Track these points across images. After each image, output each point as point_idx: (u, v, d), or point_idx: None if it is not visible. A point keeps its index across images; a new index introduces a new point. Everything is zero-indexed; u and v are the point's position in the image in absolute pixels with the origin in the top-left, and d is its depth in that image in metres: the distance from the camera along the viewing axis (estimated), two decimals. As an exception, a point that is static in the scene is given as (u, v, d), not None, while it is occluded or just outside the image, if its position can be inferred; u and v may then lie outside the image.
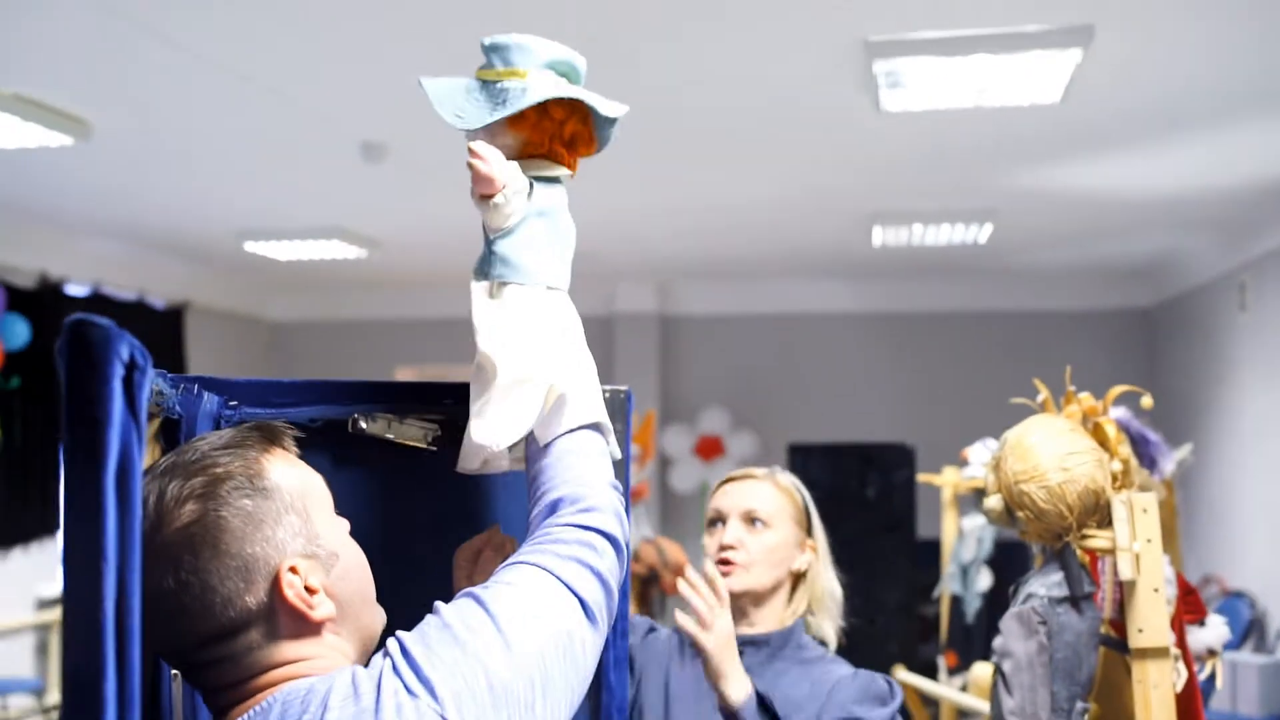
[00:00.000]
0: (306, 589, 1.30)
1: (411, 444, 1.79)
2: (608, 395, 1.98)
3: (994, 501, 2.44)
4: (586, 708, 2.00)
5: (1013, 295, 9.87)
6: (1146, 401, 2.68)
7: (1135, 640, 2.35)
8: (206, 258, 8.92)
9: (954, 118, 5.11)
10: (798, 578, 2.59)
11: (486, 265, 1.63)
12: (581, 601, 1.37)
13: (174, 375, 1.67)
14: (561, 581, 1.37)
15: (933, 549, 5.77)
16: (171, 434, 1.64)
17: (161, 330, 9.19)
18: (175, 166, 6.24)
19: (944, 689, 5.19)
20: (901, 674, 5.38)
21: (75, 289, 8.13)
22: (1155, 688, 2.36)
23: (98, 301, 8.30)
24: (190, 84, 4.83)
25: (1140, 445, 3.25)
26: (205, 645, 1.27)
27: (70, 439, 1.03)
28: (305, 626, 1.31)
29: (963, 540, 5.21)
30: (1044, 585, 2.38)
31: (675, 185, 6.71)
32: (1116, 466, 2.51)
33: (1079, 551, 2.40)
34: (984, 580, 5.22)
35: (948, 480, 5.31)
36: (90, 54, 4.44)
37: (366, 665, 1.27)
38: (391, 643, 1.27)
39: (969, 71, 4.47)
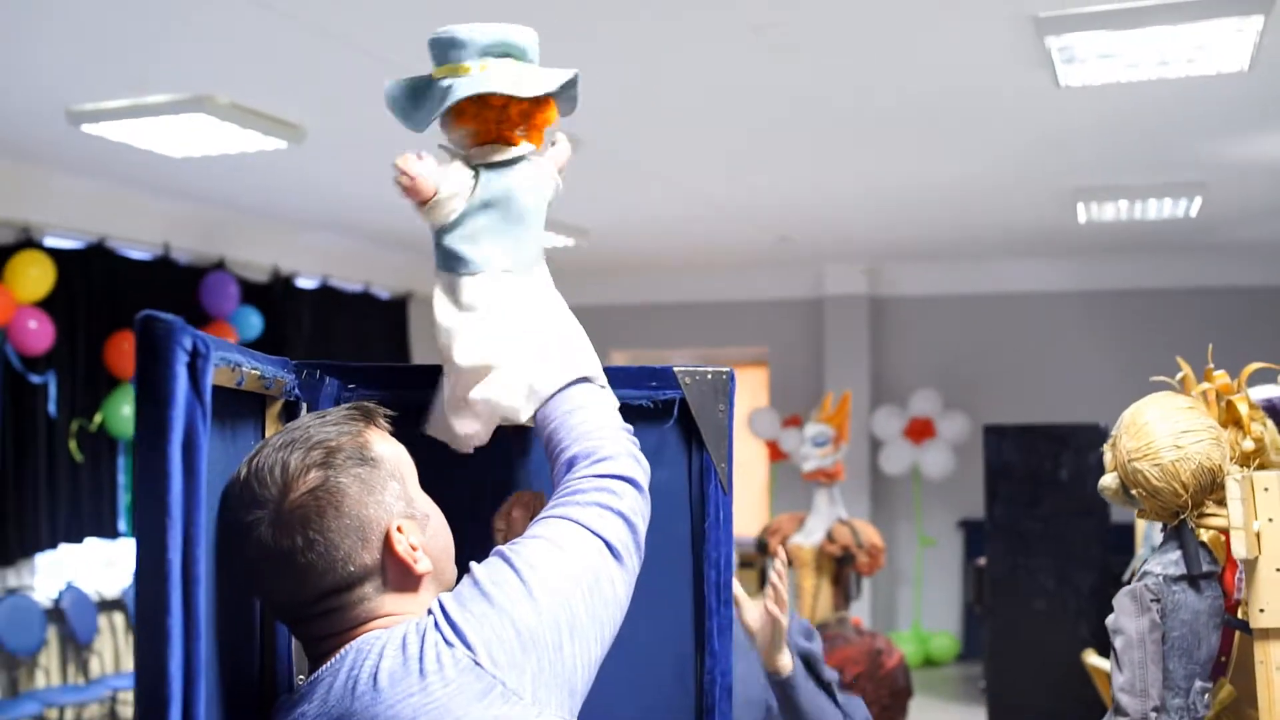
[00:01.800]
0: (410, 547, 1.48)
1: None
2: (710, 376, 2.09)
3: (1110, 479, 2.46)
4: (690, 675, 2.10)
5: (1226, 270, 9.48)
6: (1284, 379, 2.64)
7: (1256, 620, 2.34)
8: (427, 250, 9.30)
9: (1140, 90, 5.00)
10: None
11: (439, 259, 1.71)
12: (605, 542, 1.52)
13: (298, 361, 1.87)
14: (583, 526, 1.51)
15: (1127, 533, 5.64)
16: (293, 415, 1.83)
17: (387, 319, 9.67)
18: (385, 165, 6.59)
19: (1137, 674, 5.10)
20: (1092, 659, 5.31)
21: (305, 282, 8.64)
22: (1278, 669, 2.35)
23: (326, 294, 8.81)
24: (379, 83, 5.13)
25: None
26: (325, 597, 1.44)
27: (139, 417, 1.22)
28: (408, 580, 1.49)
29: (1154, 523, 5.10)
30: (1160, 564, 2.39)
31: (877, 168, 6.75)
32: (1249, 445, 2.49)
33: (1200, 530, 2.41)
34: (1178, 564, 5.10)
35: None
36: (300, 64, 4.76)
37: None
38: (434, 603, 1.43)
39: (1146, 43, 4.38)
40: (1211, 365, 2.66)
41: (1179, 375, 2.71)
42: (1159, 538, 5.25)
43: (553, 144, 1.82)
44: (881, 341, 10.53)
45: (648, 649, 2.06)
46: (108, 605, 7.38)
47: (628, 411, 2.08)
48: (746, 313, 10.85)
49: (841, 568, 6.52)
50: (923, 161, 6.54)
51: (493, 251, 1.70)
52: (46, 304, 6.69)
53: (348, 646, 1.42)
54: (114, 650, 7.41)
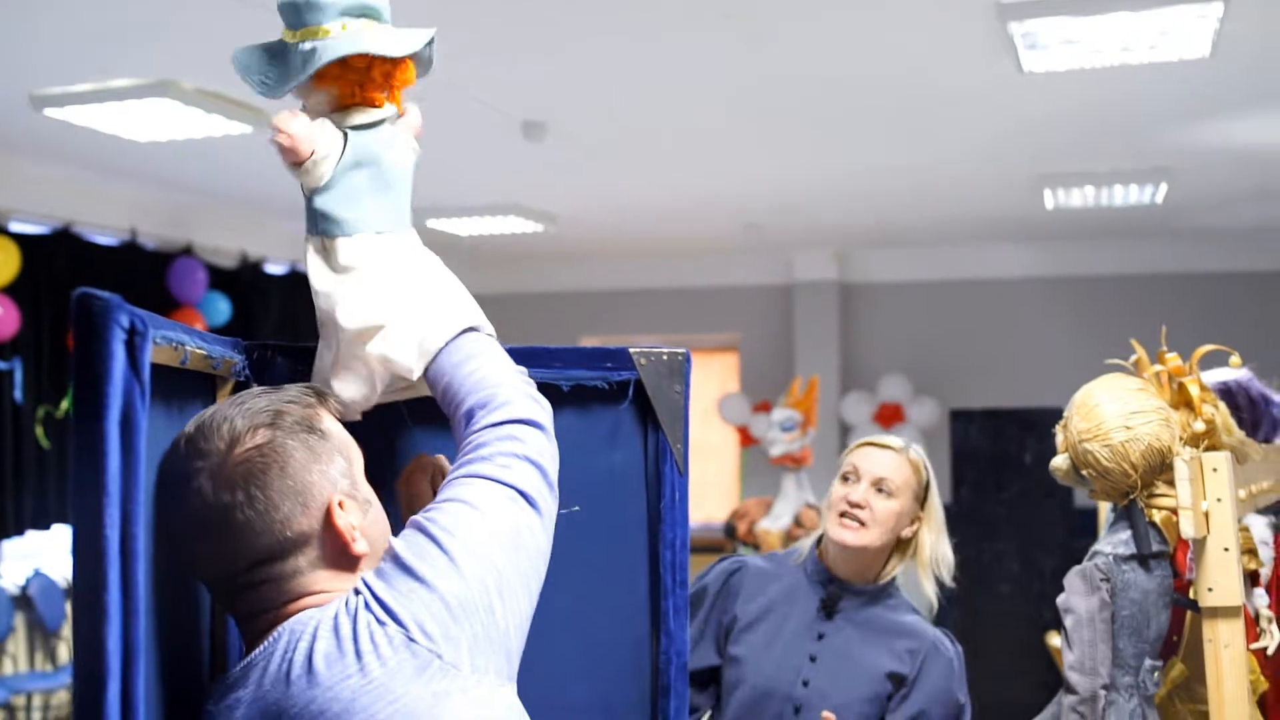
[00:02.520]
0: (350, 524, 1.46)
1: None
2: (665, 357, 2.10)
3: (1060, 460, 2.48)
4: (646, 655, 2.11)
5: (1191, 256, 9.54)
6: (1235, 361, 2.67)
7: (1205, 599, 2.36)
8: (395, 235, 9.29)
9: (1104, 76, 5.03)
10: (903, 544, 2.84)
11: (311, 222, 1.68)
12: (519, 491, 1.50)
13: (249, 343, 1.87)
14: (493, 480, 1.49)
15: (1091, 516, 5.69)
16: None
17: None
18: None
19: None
20: (1054, 640, 5.35)
21: (273, 268, 8.62)
22: (1226, 647, 2.37)
23: (295, 279, 8.77)
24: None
25: (1259, 406, 3.20)
26: (259, 564, 1.41)
27: (77, 393, 1.22)
28: (344, 559, 1.47)
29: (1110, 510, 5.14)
30: (1110, 543, 2.42)
31: (845, 155, 6.76)
32: (1200, 426, 2.52)
33: (1149, 511, 2.43)
34: (1141, 547, 5.14)
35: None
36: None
37: None
38: (359, 585, 1.41)
39: (1108, 30, 4.40)
40: (1165, 348, 2.69)
41: (1132, 358, 2.73)
42: (1121, 521, 5.29)
43: (403, 112, 1.79)
44: (851, 327, 10.56)
45: (604, 630, 2.07)
46: (75, 592, 7.36)
47: (583, 392, 2.09)
48: (716, 299, 10.86)
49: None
50: (890, 148, 6.56)
51: (367, 212, 1.67)
52: (12, 290, 6.65)
53: (281, 628, 1.40)
54: (82, 637, 7.37)
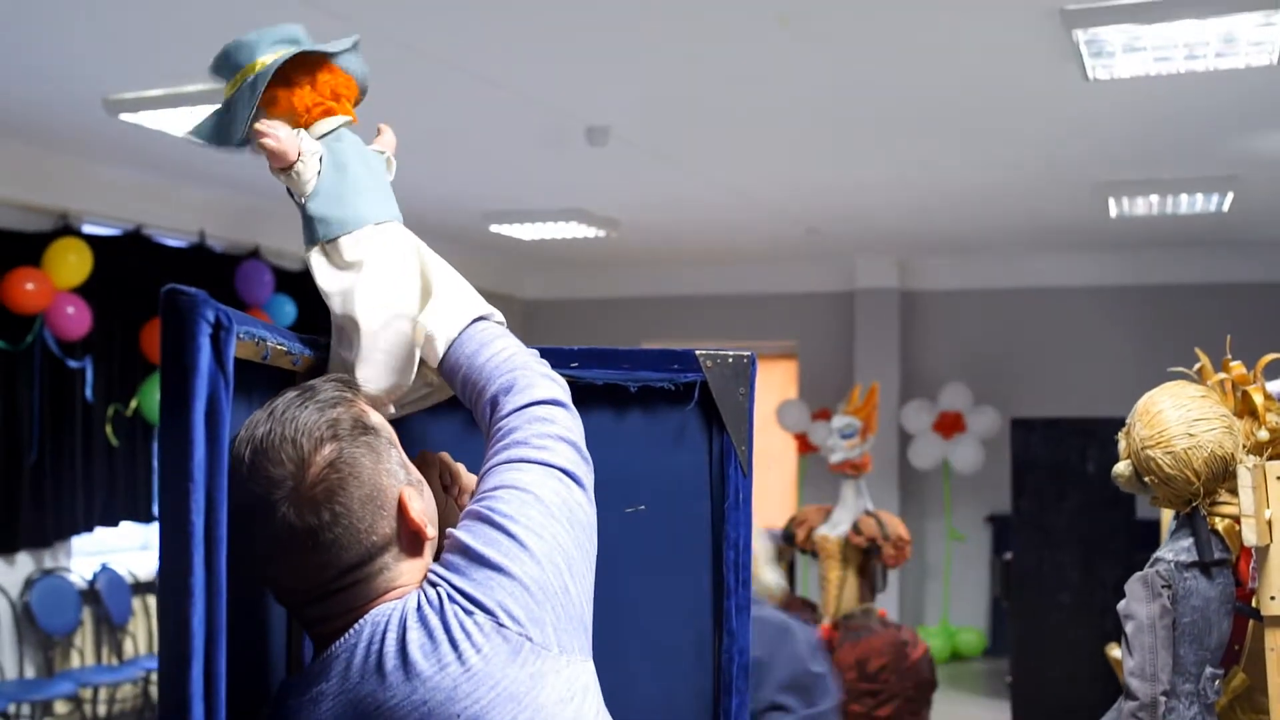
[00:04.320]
0: (420, 511, 1.49)
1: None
2: (731, 359, 2.12)
3: (1123, 467, 2.48)
4: (709, 653, 2.14)
5: (1257, 266, 9.42)
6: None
7: (1267, 607, 2.36)
8: (456, 240, 9.39)
9: (1170, 83, 5.00)
10: None
11: (310, 231, 1.71)
12: (561, 470, 1.53)
13: (325, 340, 1.91)
14: (535, 463, 1.52)
15: (1153, 529, 5.64)
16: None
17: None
18: (423, 157, 6.65)
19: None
20: (1115, 651, 5.31)
21: (338, 271, 8.70)
22: (1289, 655, 2.37)
23: (359, 282, 8.86)
24: (427, 83, 5.19)
25: (1325, 417, 3.18)
26: (349, 571, 1.43)
27: (164, 385, 1.26)
28: (417, 547, 1.49)
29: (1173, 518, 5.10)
30: (1172, 550, 2.42)
31: (906, 162, 6.76)
32: (1263, 435, 2.51)
33: (1211, 519, 2.42)
34: (1204, 558, 5.09)
35: (1166, 456, 5.20)
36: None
37: None
38: (433, 577, 1.44)
39: (1174, 36, 4.38)
40: (1229, 356, 2.68)
41: (1196, 366, 2.73)
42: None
43: (378, 132, 1.85)
44: (912, 335, 10.53)
45: (667, 628, 2.10)
46: (142, 587, 7.49)
47: (649, 393, 2.12)
48: (776, 305, 10.87)
49: (867, 559, 6.54)
50: (952, 155, 6.55)
51: (361, 207, 1.71)
52: (84, 290, 6.79)
53: (361, 621, 1.42)
54: (148, 631, 7.51)
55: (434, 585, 1.43)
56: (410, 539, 1.48)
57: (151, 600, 7.48)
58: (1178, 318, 9.62)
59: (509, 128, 6.05)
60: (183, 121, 5.56)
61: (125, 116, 5.49)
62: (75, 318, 6.69)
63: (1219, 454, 2.35)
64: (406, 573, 1.47)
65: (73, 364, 6.92)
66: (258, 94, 1.69)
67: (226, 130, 1.74)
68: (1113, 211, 7.60)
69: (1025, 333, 10.14)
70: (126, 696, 7.28)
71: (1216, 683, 2.38)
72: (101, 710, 7.07)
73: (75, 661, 7.05)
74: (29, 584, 6.84)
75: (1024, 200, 7.74)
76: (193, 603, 1.24)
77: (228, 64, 1.75)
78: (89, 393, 7.05)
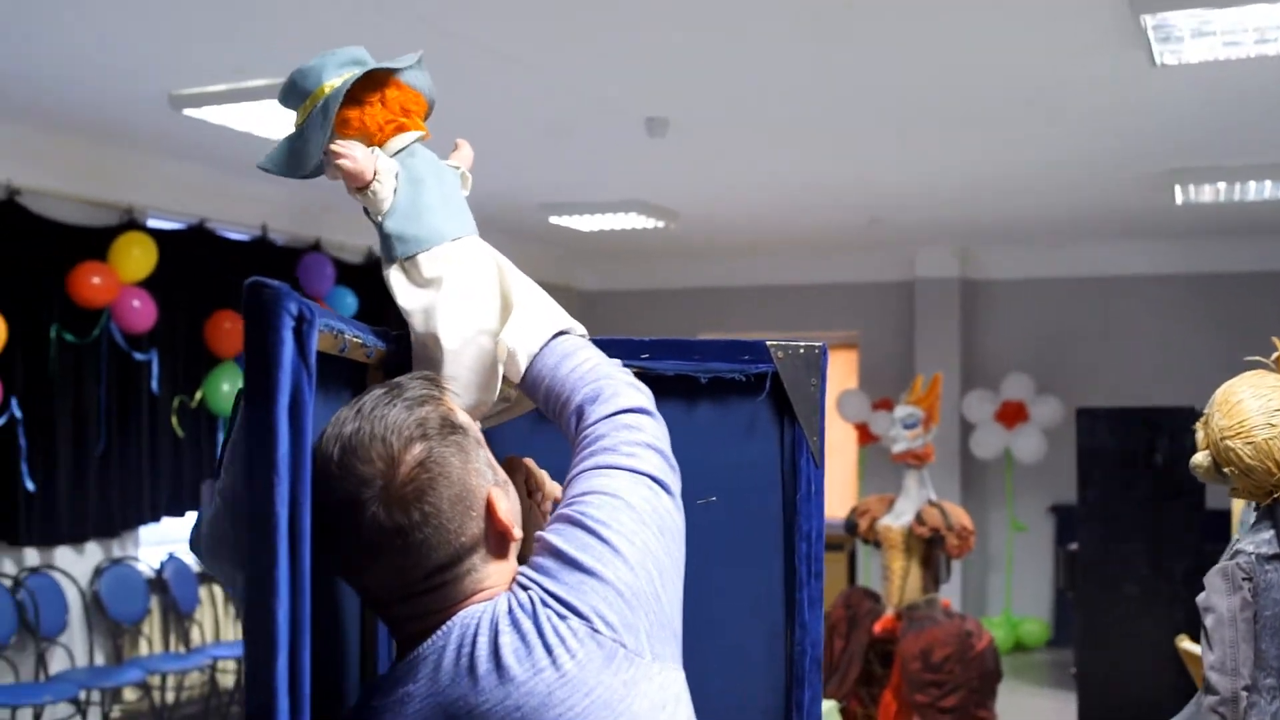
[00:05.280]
0: (508, 511, 1.47)
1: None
2: (802, 350, 2.11)
3: (1201, 458, 2.44)
4: (780, 646, 2.13)
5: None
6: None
7: (1350, 600, 2.32)
8: (515, 231, 9.41)
9: (1238, 68, 4.90)
10: None
11: (388, 250, 1.70)
12: (651, 477, 1.51)
13: (397, 333, 1.91)
14: (627, 470, 1.50)
15: (1223, 519, 5.57)
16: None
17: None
18: (479, 150, 6.65)
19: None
20: (1186, 644, 5.24)
21: (398, 263, 8.75)
22: (1373, 649, 2.32)
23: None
24: (483, 75, 5.20)
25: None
26: (436, 573, 1.41)
27: (247, 379, 1.26)
28: (503, 548, 1.48)
29: (1251, 509, 5.02)
30: (1253, 542, 2.37)
31: (971, 150, 6.70)
32: (1345, 425, 2.46)
33: (1293, 509, 2.38)
34: (1275, 549, 5.02)
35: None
36: (399, 50, 4.82)
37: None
38: (523, 580, 1.43)
39: (1244, 20, 4.30)
40: (1309, 345, 2.63)
41: (1275, 355, 2.67)
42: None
43: (455, 147, 1.85)
44: (973, 324, 10.44)
45: (739, 621, 2.09)
46: (208, 577, 7.56)
47: (720, 384, 2.11)
48: (836, 295, 10.81)
49: (931, 550, 6.49)
50: (1016, 143, 6.48)
51: (438, 223, 1.71)
52: (149, 284, 6.86)
53: (450, 623, 1.41)
54: (214, 620, 7.60)
55: (525, 588, 1.42)
56: (497, 540, 1.47)
57: (218, 589, 7.56)
58: (1243, 307, 9.47)
59: (568, 120, 6.04)
60: (245, 116, 5.61)
61: (189, 112, 5.54)
62: (141, 311, 6.77)
63: (1301, 445, 2.31)
64: (494, 574, 1.46)
65: (139, 356, 7.00)
66: (330, 117, 1.69)
67: (300, 158, 1.73)
68: (1179, 199, 7.49)
69: (1088, 322, 10.03)
70: (194, 684, 7.37)
71: (1300, 677, 2.34)
72: (170, 697, 7.15)
73: (144, 649, 7.15)
74: (98, 573, 6.94)
75: (1087, 188, 7.65)
76: (277, 599, 1.24)
77: (295, 92, 1.74)
78: (155, 385, 7.13)
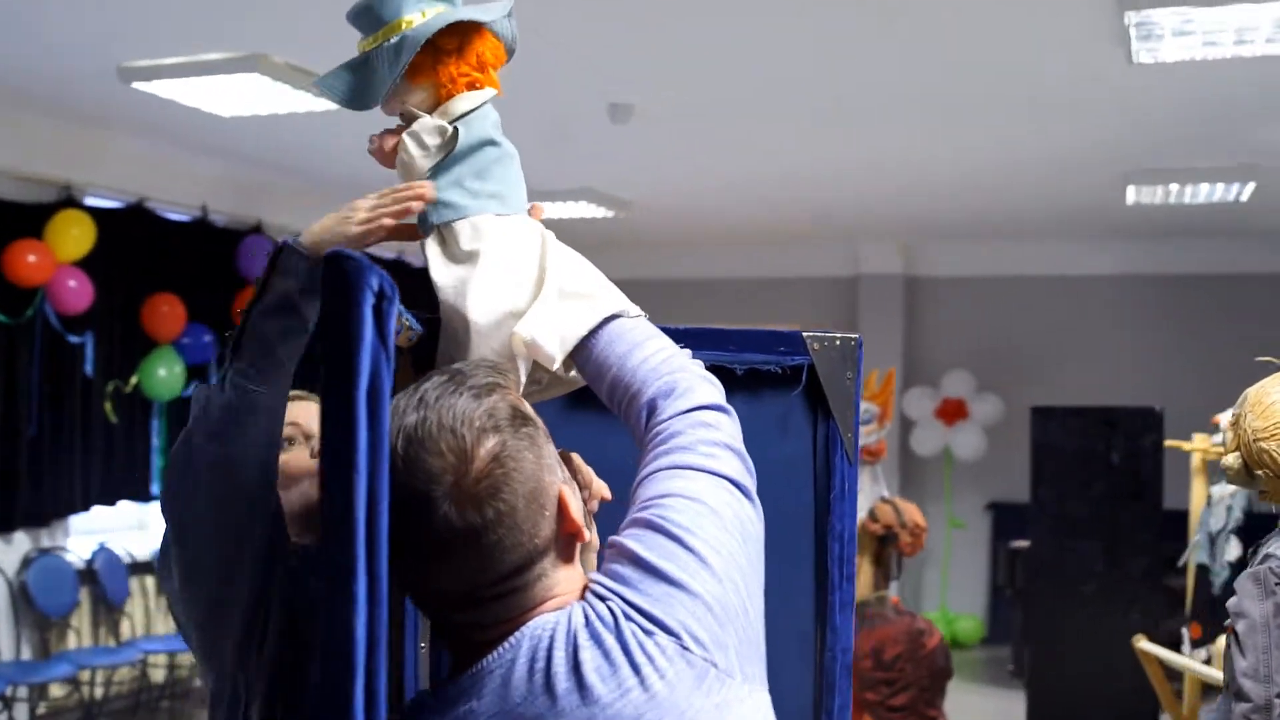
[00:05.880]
0: (579, 512, 1.35)
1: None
2: (839, 342, 2.02)
3: (1232, 460, 2.39)
4: (811, 650, 2.04)
5: (1275, 257, 9.36)
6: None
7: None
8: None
9: (1212, 69, 4.90)
10: None
11: (424, 216, 1.61)
12: (731, 480, 1.40)
13: (430, 316, 1.79)
14: (704, 471, 1.38)
15: (1179, 520, 5.59)
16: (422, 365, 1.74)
17: (421, 289, 9.59)
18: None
19: (1187, 661, 5.05)
20: (1143, 644, 5.25)
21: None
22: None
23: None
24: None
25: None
26: (507, 578, 1.28)
27: (327, 361, 1.14)
28: (570, 552, 1.35)
29: (1211, 508, 5.04)
30: (1282, 546, 2.33)
31: (928, 146, 6.65)
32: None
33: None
34: (1233, 550, 5.03)
35: (1197, 446, 5.15)
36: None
37: None
38: (599, 589, 1.30)
39: (1227, 19, 4.29)
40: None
41: (1288, 356, 2.63)
42: (1215, 523, 5.19)
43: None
44: (915, 321, 10.46)
45: (768, 624, 2.01)
46: (139, 567, 7.35)
47: (755, 376, 2.02)
48: (781, 289, 10.77)
49: (883, 547, 6.45)
50: (975, 140, 6.45)
51: (485, 195, 1.61)
52: (86, 264, 6.62)
53: (518, 634, 1.28)
54: (145, 612, 7.39)
55: (602, 599, 1.29)
56: (566, 542, 1.34)
57: (150, 580, 7.34)
58: (1188, 308, 9.58)
59: (524, 103, 5.90)
60: (197, 91, 5.41)
61: (138, 85, 5.34)
62: (77, 291, 6.54)
63: (1336, 447, 2.26)
64: (563, 581, 1.33)
65: (73, 339, 6.76)
66: (402, 62, 1.57)
67: (363, 93, 1.62)
68: (1130, 199, 7.52)
69: (1030, 320, 10.08)
70: (124, 679, 7.14)
71: (1323, 684, 2.30)
72: (99, 692, 6.93)
73: (72, 643, 6.90)
74: (26, 563, 6.69)
75: (1040, 185, 7.65)
76: (356, 611, 1.12)
77: (369, 15, 1.61)
78: (89, 368, 6.90)
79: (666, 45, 4.94)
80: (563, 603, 1.31)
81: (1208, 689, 5.57)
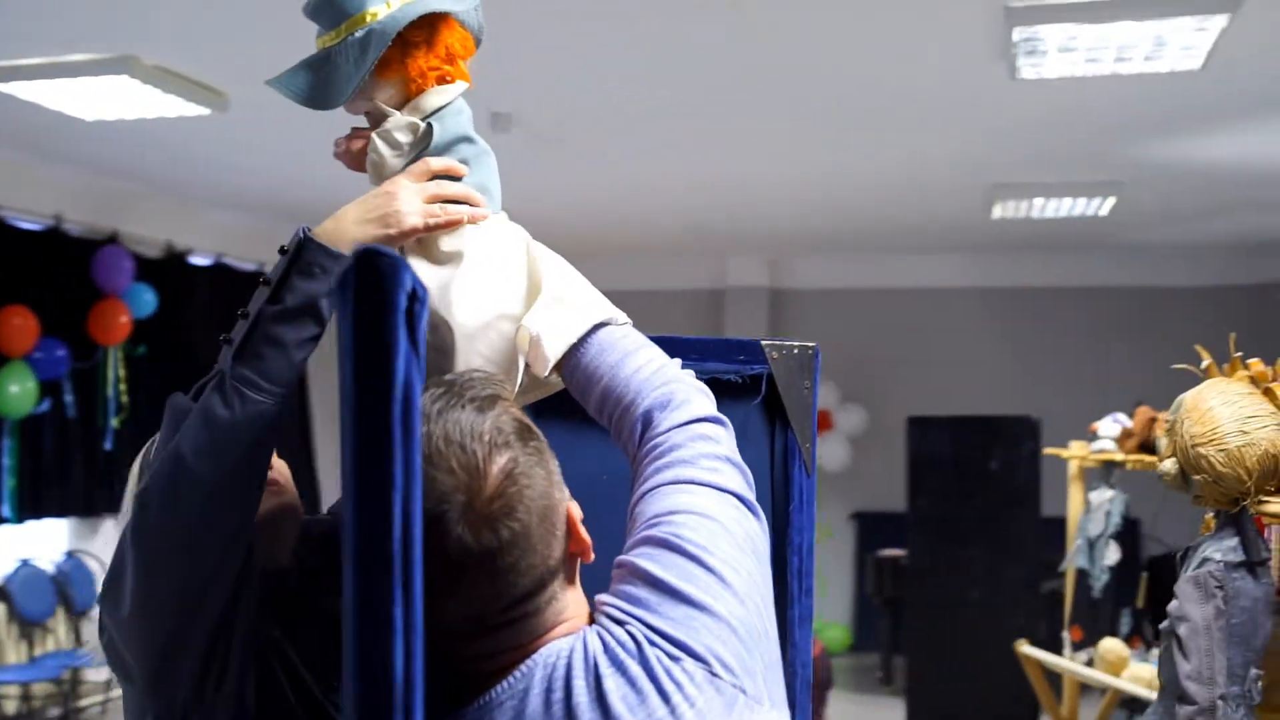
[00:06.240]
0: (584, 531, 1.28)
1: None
2: (796, 351, 2.00)
3: (1169, 465, 2.42)
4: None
5: (1132, 270, 9.69)
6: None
7: (1312, 607, 2.32)
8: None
9: (1089, 86, 5.02)
10: None
11: None
12: (735, 495, 1.35)
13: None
14: (709, 486, 1.33)
15: (1056, 527, 5.70)
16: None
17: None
18: (307, 139, 6.31)
19: (1068, 663, 5.16)
20: (1025, 648, 5.34)
21: (199, 259, 8.28)
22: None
23: (220, 272, 8.45)
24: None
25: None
26: (519, 602, 1.21)
27: (358, 369, 1.04)
28: (574, 571, 1.28)
29: (1090, 514, 5.15)
30: (1219, 550, 2.36)
31: (791, 157, 6.65)
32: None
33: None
34: (1111, 555, 5.16)
35: (1075, 454, 5.26)
36: (231, 27, 4.50)
37: None
38: (614, 612, 1.23)
39: (1110, 38, 4.39)
40: (1239, 354, 2.64)
41: (1204, 364, 2.68)
42: (1094, 528, 5.31)
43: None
44: (780, 334, 10.53)
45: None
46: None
47: (714, 386, 1.97)
48: (648, 301, 10.69)
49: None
50: (850, 153, 6.49)
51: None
52: (-69, 275, 6.28)
53: (529, 662, 1.21)
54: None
55: (620, 623, 1.22)
56: (571, 563, 1.27)
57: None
58: (1051, 320, 9.84)
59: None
60: (61, 94, 5.16)
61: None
62: (-77, 304, 6.19)
63: (1271, 452, 2.31)
64: (572, 604, 1.27)
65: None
66: (370, 57, 1.50)
67: (326, 91, 1.53)
68: (996, 214, 7.68)
69: (895, 332, 10.25)
70: (37, 695, 6.93)
71: (1259, 684, 2.34)
72: (12, 707, 6.68)
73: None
74: None
75: (907, 199, 7.75)
76: (394, 643, 1.02)
77: (330, 9, 1.52)
78: (-66, 385, 6.54)
79: (539, 55, 4.86)
80: (573, 627, 1.25)
81: (1086, 690, 5.70)
